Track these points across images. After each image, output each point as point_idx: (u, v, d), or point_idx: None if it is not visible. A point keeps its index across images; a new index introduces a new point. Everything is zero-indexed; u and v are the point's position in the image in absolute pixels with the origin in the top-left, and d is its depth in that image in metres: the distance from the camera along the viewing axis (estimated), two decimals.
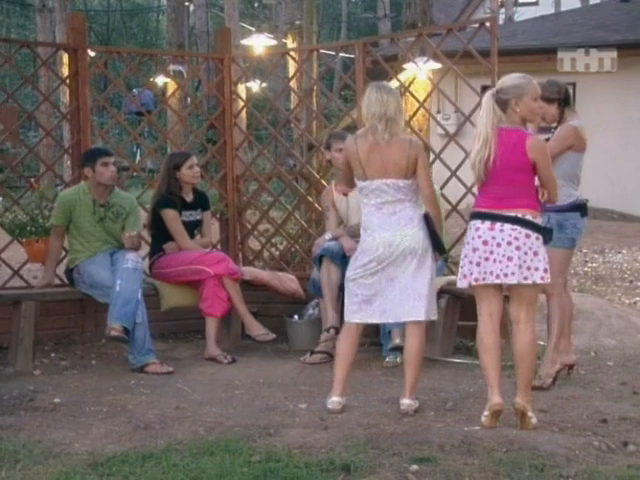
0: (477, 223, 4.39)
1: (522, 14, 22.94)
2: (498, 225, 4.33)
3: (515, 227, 4.32)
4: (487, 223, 4.35)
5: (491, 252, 4.32)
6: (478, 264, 4.35)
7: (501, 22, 19.09)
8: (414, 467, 3.68)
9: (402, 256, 4.60)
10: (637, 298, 8.23)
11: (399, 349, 5.76)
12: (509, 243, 4.31)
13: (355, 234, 6.07)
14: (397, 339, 5.75)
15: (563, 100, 5.24)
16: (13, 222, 6.28)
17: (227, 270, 6.09)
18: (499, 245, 4.32)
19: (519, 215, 4.33)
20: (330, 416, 4.49)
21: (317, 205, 7.20)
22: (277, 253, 7.53)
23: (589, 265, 10.08)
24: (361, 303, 4.68)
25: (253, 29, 17.36)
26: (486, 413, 4.30)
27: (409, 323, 4.68)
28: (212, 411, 4.68)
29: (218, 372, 5.69)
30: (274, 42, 11.12)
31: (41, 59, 7.26)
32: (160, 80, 13.43)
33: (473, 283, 4.39)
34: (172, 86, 12.04)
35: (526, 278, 4.33)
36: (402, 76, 7.23)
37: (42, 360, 5.91)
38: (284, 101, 10.82)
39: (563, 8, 22.73)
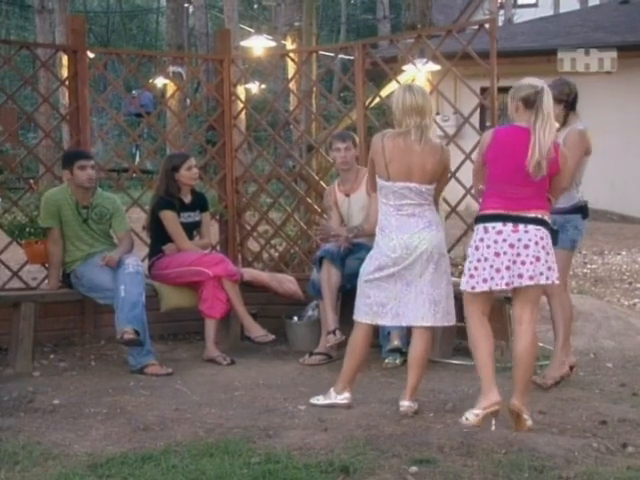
0: (498, 226, 4.29)
1: (521, 16, 22.93)
2: (521, 226, 4.28)
3: (539, 227, 4.30)
4: (509, 225, 4.28)
5: (518, 254, 4.26)
6: (508, 268, 4.27)
7: (500, 24, 19.09)
8: (413, 468, 3.68)
9: (420, 260, 4.53)
10: (636, 300, 8.23)
11: (398, 351, 5.77)
12: (536, 243, 4.27)
13: (356, 236, 6.07)
14: (396, 341, 5.76)
15: (571, 103, 5.24)
16: (12, 223, 6.28)
17: (226, 271, 6.09)
18: (527, 247, 4.26)
19: (539, 216, 4.32)
20: (329, 417, 4.49)
21: (316, 206, 7.21)
22: (276, 254, 7.54)
23: (588, 267, 10.08)
24: (373, 305, 4.63)
25: (252, 30, 17.36)
26: (478, 412, 4.26)
27: (418, 327, 4.65)
28: (211, 412, 4.68)
29: (217, 373, 5.69)
30: (273, 43, 11.11)
31: (40, 60, 7.26)
32: (159, 81, 13.39)
33: (504, 287, 4.30)
34: (171, 87, 12.00)
35: (548, 278, 4.33)
36: (401, 77, 7.23)
37: (41, 361, 5.92)
38: (283, 102, 10.80)
39: (562, 10, 22.74)
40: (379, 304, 4.63)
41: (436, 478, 3.61)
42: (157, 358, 5.76)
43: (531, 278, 4.28)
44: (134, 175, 7.85)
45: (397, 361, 5.78)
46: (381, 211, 4.67)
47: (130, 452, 3.90)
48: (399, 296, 4.60)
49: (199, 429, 4.32)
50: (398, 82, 6.63)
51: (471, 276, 4.36)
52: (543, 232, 4.31)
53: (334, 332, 5.82)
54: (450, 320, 4.69)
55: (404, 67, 7.45)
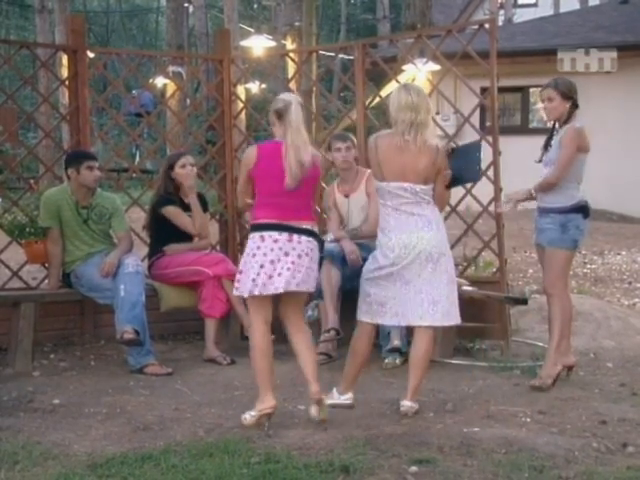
0: (274, 234, 4.37)
1: (521, 15, 22.92)
2: (295, 237, 4.40)
3: (310, 239, 4.45)
4: (285, 235, 4.38)
5: (292, 262, 4.38)
6: (280, 274, 4.36)
7: (500, 23, 19.05)
8: (413, 468, 3.69)
9: (418, 259, 4.51)
10: (636, 299, 8.23)
11: (398, 350, 5.77)
12: (307, 254, 4.42)
13: (356, 237, 6.07)
14: (396, 341, 5.76)
15: (576, 101, 5.30)
16: (12, 223, 6.27)
17: (226, 271, 6.09)
18: (300, 256, 4.39)
19: (309, 227, 4.47)
20: (329, 417, 4.47)
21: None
22: None
23: (588, 266, 10.07)
24: (372, 303, 4.63)
25: (252, 30, 17.36)
26: (254, 413, 4.38)
27: (419, 327, 4.63)
28: (211, 412, 4.68)
29: (217, 373, 5.69)
30: (273, 43, 11.14)
31: (40, 60, 7.26)
32: (159, 81, 13.42)
33: (281, 290, 4.38)
34: (171, 87, 12.03)
35: (313, 287, 4.56)
36: (401, 77, 7.23)
37: (41, 361, 5.91)
38: None
39: (562, 9, 22.73)
40: (378, 303, 4.62)
41: (436, 478, 3.61)
42: (157, 358, 5.76)
43: (303, 284, 4.42)
44: (134, 175, 7.85)
45: (397, 361, 5.77)
46: (380, 211, 4.67)
47: (130, 452, 3.90)
48: (398, 295, 4.59)
49: (199, 429, 4.33)
50: (398, 82, 6.62)
51: (253, 280, 4.38)
52: (313, 244, 4.47)
53: (328, 331, 5.82)
54: (450, 320, 4.66)
55: (404, 67, 7.45)
